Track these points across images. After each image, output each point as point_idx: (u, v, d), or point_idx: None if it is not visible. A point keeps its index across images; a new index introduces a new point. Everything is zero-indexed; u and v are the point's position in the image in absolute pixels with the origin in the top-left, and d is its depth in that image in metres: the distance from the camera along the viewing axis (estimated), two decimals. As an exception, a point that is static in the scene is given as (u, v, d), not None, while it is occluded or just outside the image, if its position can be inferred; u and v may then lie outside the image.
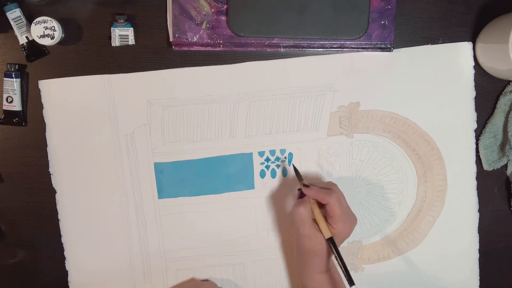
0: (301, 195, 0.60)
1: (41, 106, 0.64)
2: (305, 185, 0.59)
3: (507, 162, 0.68)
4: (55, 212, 0.66)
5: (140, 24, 0.64)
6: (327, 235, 0.57)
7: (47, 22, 0.60)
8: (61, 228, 0.66)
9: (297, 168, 0.63)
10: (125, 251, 0.67)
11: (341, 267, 0.56)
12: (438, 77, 0.66)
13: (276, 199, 0.67)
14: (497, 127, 0.67)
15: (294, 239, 0.63)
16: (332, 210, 0.57)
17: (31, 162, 0.65)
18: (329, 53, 0.65)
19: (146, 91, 0.65)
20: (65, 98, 0.64)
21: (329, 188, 0.59)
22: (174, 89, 0.65)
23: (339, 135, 0.67)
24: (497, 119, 0.67)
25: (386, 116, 0.67)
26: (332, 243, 0.56)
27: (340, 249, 0.68)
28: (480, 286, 0.70)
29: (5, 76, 0.63)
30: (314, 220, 0.59)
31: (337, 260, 0.56)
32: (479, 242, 0.69)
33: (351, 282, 0.54)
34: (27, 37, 0.62)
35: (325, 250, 0.58)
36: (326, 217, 0.59)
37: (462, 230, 0.69)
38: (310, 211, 0.58)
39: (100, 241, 0.67)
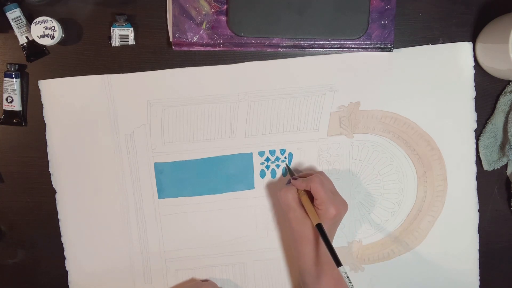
0: (288, 183, 0.64)
1: (41, 106, 0.64)
2: (294, 178, 0.62)
3: (507, 162, 0.68)
4: (55, 212, 0.66)
5: (140, 24, 0.64)
6: (315, 220, 0.58)
7: (47, 22, 0.60)
8: (61, 228, 0.66)
9: (290, 167, 0.67)
10: (125, 251, 0.67)
11: (328, 249, 0.56)
12: (438, 77, 0.66)
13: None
14: (497, 127, 0.67)
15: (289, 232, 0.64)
16: (315, 192, 0.59)
17: (31, 162, 0.65)
18: (329, 53, 0.65)
19: (146, 91, 0.65)
20: (65, 98, 0.64)
21: (310, 174, 0.62)
22: (174, 89, 0.65)
23: (339, 135, 0.67)
24: (497, 119, 0.67)
25: (386, 116, 0.67)
26: (320, 229, 0.57)
27: (341, 248, 0.68)
28: (480, 286, 0.70)
29: (5, 76, 0.63)
30: (303, 208, 0.60)
31: (324, 243, 0.57)
32: (479, 242, 0.69)
33: (338, 263, 0.55)
34: (27, 37, 0.62)
35: (316, 234, 0.59)
36: (314, 204, 0.60)
37: (462, 230, 0.69)
38: (295, 195, 0.61)
39: (100, 241, 0.67)
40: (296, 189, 0.61)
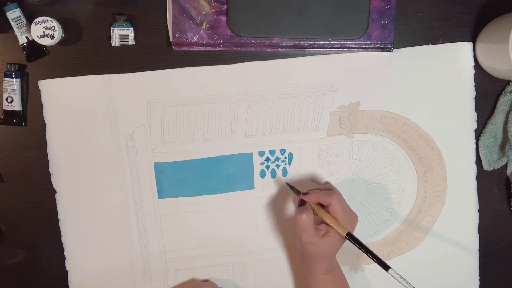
0: (302, 203, 0.60)
1: (41, 106, 0.64)
2: (304, 194, 0.59)
3: (507, 162, 0.68)
4: (55, 212, 0.66)
5: (140, 24, 0.64)
6: (344, 230, 0.56)
7: (47, 22, 0.60)
8: (61, 228, 0.66)
9: (291, 184, 0.63)
10: (125, 251, 0.67)
11: (370, 257, 0.55)
12: (438, 77, 0.66)
13: (276, 199, 0.67)
14: (497, 127, 0.67)
15: (296, 245, 0.63)
16: (334, 210, 0.57)
17: (31, 162, 0.65)
18: (329, 53, 0.65)
19: (146, 91, 0.65)
20: (65, 98, 0.64)
21: (329, 189, 0.60)
22: (174, 89, 0.65)
23: (339, 135, 0.67)
24: (497, 119, 0.67)
25: (386, 116, 0.67)
26: (351, 237, 0.56)
27: (341, 248, 0.68)
28: (480, 286, 0.70)
29: (5, 76, 0.63)
30: (316, 228, 0.58)
31: (364, 252, 0.55)
32: (479, 242, 0.69)
33: (386, 267, 0.53)
34: (27, 37, 0.62)
35: (329, 252, 0.58)
36: None
37: (462, 230, 0.69)
38: (312, 218, 0.57)
39: (100, 241, 0.67)
40: (311, 210, 0.58)
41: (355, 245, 0.56)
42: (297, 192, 0.61)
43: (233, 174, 0.67)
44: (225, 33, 0.63)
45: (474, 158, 0.68)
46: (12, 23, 0.62)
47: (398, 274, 0.52)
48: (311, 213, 0.57)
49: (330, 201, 0.57)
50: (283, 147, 0.67)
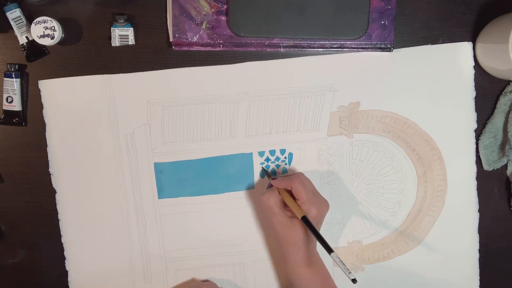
0: (270, 186, 0.64)
1: (41, 106, 0.64)
2: (273, 178, 0.62)
3: (507, 162, 0.68)
4: (55, 212, 0.66)
5: (140, 24, 0.64)
6: (300, 214, 0.57)
7: (47, 22, 0.60)
8: (61, 228, 0.66)
9: (267, 170, 0.67)
10: (125, 251, 0.67)
11: (317, 239, 0.56)
12: (438, 77, 0.66)
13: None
14: (497, 127, 0.67)
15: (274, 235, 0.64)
16: (296, 192, 0.59)
17: (31, 162, 0.65)
18: (329, 53, 0.65)
19: (146, 91, 0.65)
20: (65, 98, 0.64)
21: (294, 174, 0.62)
22: (174, 89, 0.65)
23: (339, 135, 0.67)
24: (497, 119, 0.67)
25: (386, 116, 0.67)
26: (306, 221, 0.57)
27: (341, 248, 0.68)
28: (480, 286, 0.70)
29: (5, 76, 0.63)
30: (286, 210, 0.61)
31: (312, 233, 0.56)
32: (479, 242, 0.69)
33: (329, 250, 0.54)
34: (27, 37, 0.62)
35: (301, 237, 0.59)
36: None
37: (462, 230, 0.69)
38: (277, 199, 0.60)
39: (100, 241, 0.67)
40: (277, 192, 0.61)
41: (309, 229, 0.57)
42: (269, 176, 0.65)
43: (233, 174, 0.67)
44: (225, 33, 0.63)
45: (474, 158, 0.68)
46: (12, 23, 0.62)
47: (339, 258, 0.53)
48: (275, 193, 0.61)
49: (292, 184, 0.59)
50: (283, 147, 0.67)
